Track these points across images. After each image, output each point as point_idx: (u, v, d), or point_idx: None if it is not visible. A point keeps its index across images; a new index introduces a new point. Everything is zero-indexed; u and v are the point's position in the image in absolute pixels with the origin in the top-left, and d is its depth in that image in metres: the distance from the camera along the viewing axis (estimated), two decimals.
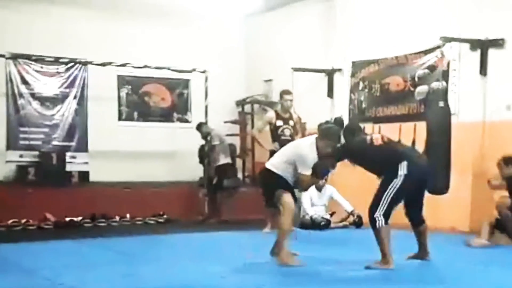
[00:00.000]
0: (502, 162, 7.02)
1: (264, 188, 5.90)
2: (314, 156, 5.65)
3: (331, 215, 8.89)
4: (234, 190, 10.18)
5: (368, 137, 5.78)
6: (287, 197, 5.56)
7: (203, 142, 10.29)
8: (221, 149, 9.92)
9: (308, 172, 5.62)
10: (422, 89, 8.66)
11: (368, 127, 9.48)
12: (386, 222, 5.42)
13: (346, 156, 5.87)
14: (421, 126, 8.41)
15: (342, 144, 5.80)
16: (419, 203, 5.72)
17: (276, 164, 5.78)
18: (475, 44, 8.08)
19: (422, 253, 5.77)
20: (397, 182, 5.40)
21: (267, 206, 5.92)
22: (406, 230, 5.87)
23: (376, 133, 6.84)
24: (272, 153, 8.30)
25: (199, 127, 10.32)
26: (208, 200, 10.08)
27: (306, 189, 5.81)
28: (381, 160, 5.62)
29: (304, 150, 5.70)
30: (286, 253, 5.57)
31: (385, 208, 5.44)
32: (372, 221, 5.47)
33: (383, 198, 5.48)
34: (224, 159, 9.91)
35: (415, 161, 5.50)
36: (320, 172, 5.78)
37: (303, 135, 9.54)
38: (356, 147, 5.80)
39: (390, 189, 5.43)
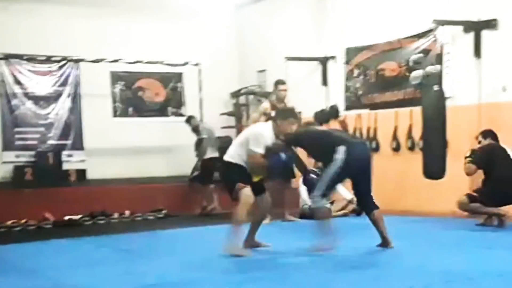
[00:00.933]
0: (481, 136, 7.10)
1: (224, 182, 5.92)
2: (269, 135, 5.62)
3: (331, 203, 8.87)
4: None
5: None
6: (245, 190, 5.51)
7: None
8: (208, 142, 9.83)
9: (259, 150, 5.51)
10: (416, 73, 8.61)
11: (364, 114, 9.53)
12: (324, 204, 5.54)
13: (294, 142, 5.84)
14: (418, 111, 8.41)
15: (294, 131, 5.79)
16: (364, 188, 5.65)
17: (231, 152, 5.70)
18: (468, 26, 8.05)
19: (383, 242, 5.64)
20: (334, 167, 5.41)
21: (232, 199, 5.73)
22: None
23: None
24: None
25: (188, 120, 10.28)
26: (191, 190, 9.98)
27: (252, 170, 5.58)
28: (320, 145, 5.66)
29: (259, 128, 5.78)
30: (235, 245, 5.56)
31: (323, 190, 5.48)
32: (312, 201, 5.61)
33: (321, 182, 5.51)
34: (211, 153, 9.77)
35: (353, 146, 5.51)
36: (271, 155, 5.59)
37: (299, 125, 9.53)
38: (300, 132, 5.84)
39: (329, 173, 5.45)
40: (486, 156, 6.94)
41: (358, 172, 5.57)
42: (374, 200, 5.66)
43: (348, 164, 5.41)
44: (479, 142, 7.18)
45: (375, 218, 5.63)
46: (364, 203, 5.75)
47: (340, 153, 5.42)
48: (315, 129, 6.35)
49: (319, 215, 5.54)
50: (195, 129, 10.08)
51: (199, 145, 9.91)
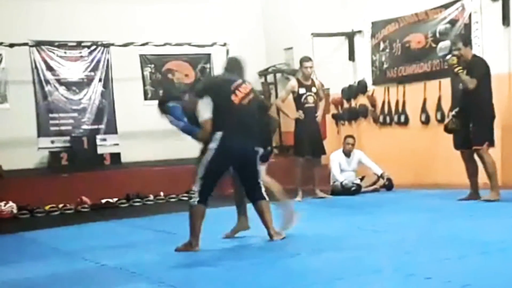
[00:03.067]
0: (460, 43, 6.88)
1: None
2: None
3: (361, 179, 8.92)
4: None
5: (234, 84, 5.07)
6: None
7: None
8: None
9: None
10: (444, 44, 8.53)
11: (392, 88, 9.49)
12: (200, 201, 5.01)
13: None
14: (446, 83, 8.36)
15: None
16: (251, 180, 5.19)
17: None
18: None
19: (268, 234, 5.24)
20: (206, 157, 4.98)
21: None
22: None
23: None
24: (297, 121, 8.40)
25: None
26: None
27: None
28: (213, 116, 5.01)
29: None
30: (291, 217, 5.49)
31: (199, 184, 5.01)
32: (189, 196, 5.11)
33: (198, 173, 5.04)
34: None
35: (231, 134, 4.95)
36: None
37: (327, 101, 9.56)
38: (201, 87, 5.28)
39: (201, 166, 5.01)
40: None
41: (237, 165, 5.10)
42: (262, 190, 5.22)
43: (219, 155, 4.94)
44: (459, 49, 6.81)
45: (260, 209, 5.20)
46: (249, 192, 5.26)
47: (215, 140, 4.96)
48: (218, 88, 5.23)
49: (190, 213, 5.06)
50: None
51: None
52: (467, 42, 7.02)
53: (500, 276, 3.63)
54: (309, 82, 8.40)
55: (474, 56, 6.96)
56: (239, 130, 5.04)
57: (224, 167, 5.13)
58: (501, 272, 3.74)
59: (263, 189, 5.25)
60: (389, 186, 8.66)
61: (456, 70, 6.73)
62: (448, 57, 6.93)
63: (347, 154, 8.86)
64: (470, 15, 8.32)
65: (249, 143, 5.13)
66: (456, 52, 6.85)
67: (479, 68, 6.78)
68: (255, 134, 5.18)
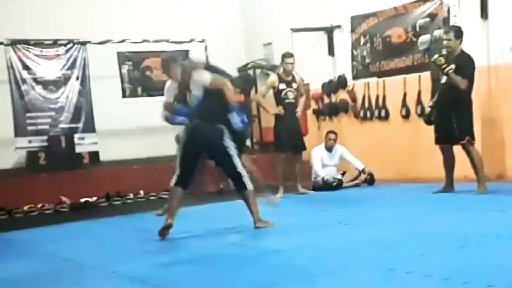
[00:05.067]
0: (452, 33, 6.84)
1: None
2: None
3: (342, 174, 8.91)
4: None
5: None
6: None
7: None
8: None
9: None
10: (424, 38, 8.58)
11: (372, 83, 9.50)
12: (176, 183, 5.53)
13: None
14: (426, 76, 8.39)
15: None
16: (227, 168, 5.58)
17: None
18: None
19: (254, 221, 5.60)
20: (180, 146, 5.56)
21: None
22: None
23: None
24: (277, 117, 8.37)
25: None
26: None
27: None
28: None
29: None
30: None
31: (178, 169, 5.52)
32: None
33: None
34: None
35: (195, 119, 5.50)
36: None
37: (308, 97, 9.54)
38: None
39: (179, 148, 5.58)
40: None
41: (203, 151, 5.54)
42: (244, 180, 5.53)
43: (187, 142, 5.51)
44: (449, 40, 6.79)
45: (244, 197, 5.59)
46: (232, 182, 5.68)
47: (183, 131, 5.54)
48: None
49: (169, 192, 5.74)
50: None
51: None
52: (459, 34, 6.91)
53: (479, 269, 3.64)
54: (289, 78, 8.37)
55: (462, 52, 6.90)
56: (202, 115, 5.49)
57: (193, 152, 5.52)
58: (480, 265, 3.75)
59: (245, 179, 5.53)
60: (370, 180, 8.67)
61: (446, 71, 6.70)
62: (435, 56, 6.89)
63: (329, 149, 8.85)
64: (449, 9, 8.34)
65: (211, 126, 5.48)
66: (443, 52, 6.85)
67: (469, 67, 6.78)
68: (219, 118, 5.50)
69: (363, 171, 8.74)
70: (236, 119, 5.53)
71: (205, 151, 5.57)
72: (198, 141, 5.48)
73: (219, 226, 6.24)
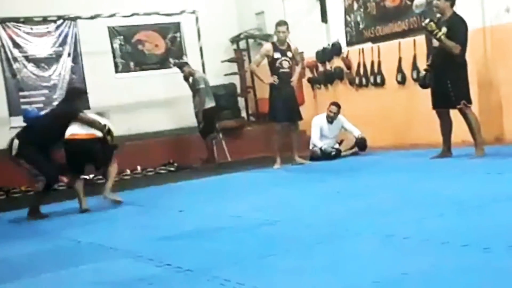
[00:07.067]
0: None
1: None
2: None
3: (340, 143, 8.85)
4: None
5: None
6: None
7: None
8: (206, 92, 9.48)
9: None
10: (419, 1, 8.42)
11: (367, 49, 9.40)
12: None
13: None
14: (421, 40, 8.29)
15: None
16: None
17: None
18: None
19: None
20: None
21: None
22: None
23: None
24: (272, 86, 8.28)
25: (181, 66, 9.87)
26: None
27: None
28: None
29: None
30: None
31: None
32: None
33: None
34: (209, 103, 9.48)
35: None
36: None
37: (303, 66, 9.42)
38: None
39: None
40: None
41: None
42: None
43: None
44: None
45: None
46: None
47: None
48: None
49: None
50: (188, 77, 9.64)
51: (197, 96, 9.53)
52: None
53: (477, 232, 3.62)
54: (284, 47, 8.25)
55: (455, 14, 6.77)
56: None
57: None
58: (478, 228, 3.73)
59: None
60: (361, 145, 8.59)
61: (438, 36, 6.58)
62: (426, 21, 6.77)
63: (330, 121, 8.75)
64: None
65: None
66: (437, 15, 6.73)
67: (461, 31, 6.64)
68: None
69: (358, 138, 8.67)
70: None
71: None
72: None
73: (216, 198, 6.24)
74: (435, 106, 7.02)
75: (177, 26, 11.40)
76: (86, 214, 6.41)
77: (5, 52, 10.32)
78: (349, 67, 9.78)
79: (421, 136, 8.43)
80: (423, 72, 7.28)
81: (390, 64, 9.07)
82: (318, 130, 8.69)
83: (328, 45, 10.05)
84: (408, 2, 8.64)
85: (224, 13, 11.59)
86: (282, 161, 8.21)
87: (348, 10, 9.70)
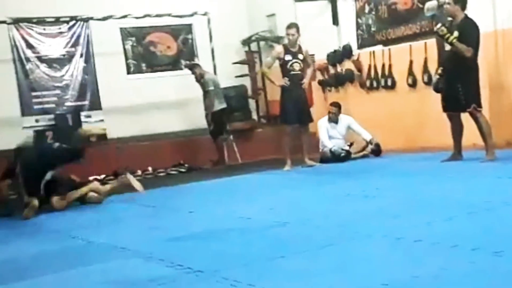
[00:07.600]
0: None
1: None
2: None
3: (350, 145, 8.86)
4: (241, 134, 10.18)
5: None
6: None
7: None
8: (215, 94, 9.50)
9: None
10: (430, 4, 8.40)
11: (378, 52, 9.39)
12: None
13: None
14: (432, 43, 8.27)
15: None
16: None
17: None
18: None
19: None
20: None
21: None
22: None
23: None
24: (283, 89, 8.29)
25: (192, 67, 9.88)
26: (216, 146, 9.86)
27: None
28: None
29: None
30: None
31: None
32: None
33: None
34: (219, 105, 9.51)
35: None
36: None
37: (314, 69, 9.42)
38: None
39: None
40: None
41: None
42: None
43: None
44: (448, 4, 6.68)
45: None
46: None
47: None
48: None
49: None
50: (200, 78, 9.65)
51: (207, 98, 9.55)
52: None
53: (487, 236, 3.62)
54: (295, 49, 8.27)
55: (466, 17, 6.76)
56: None
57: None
58: (489, 232, 3.72)
59: None
60: (377, 151, 8.60)
61: (450, 41, 6.57)
62: (437, 26, 6.76)
63: (333, 121, 8.77)
64: None
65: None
66: (448, 19, 6.71)
67: (473, 34, 6.63)
68: None
69: (370, 142, 8.68)
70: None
71: None
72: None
73: (226, 200, 6.25)
74: (445, 109, 7.01)
75: (189, 28, 11.45)
76: (96, 214, 6.43)
77: (18, 53, 10.41)
78: (360, 70, 9.78)
79: (431, 139, 8.40)
80: (436, 77, 7.26)
81: (401, 67, 9.06)
82: (325, 131, 8.73)
83: (339, 47, 10.05)
84: (420, 5, 8.62)
85: (236, 15, 11.62)
86: (292, 163, 8.22)
87: (359, 13, 9.70)
